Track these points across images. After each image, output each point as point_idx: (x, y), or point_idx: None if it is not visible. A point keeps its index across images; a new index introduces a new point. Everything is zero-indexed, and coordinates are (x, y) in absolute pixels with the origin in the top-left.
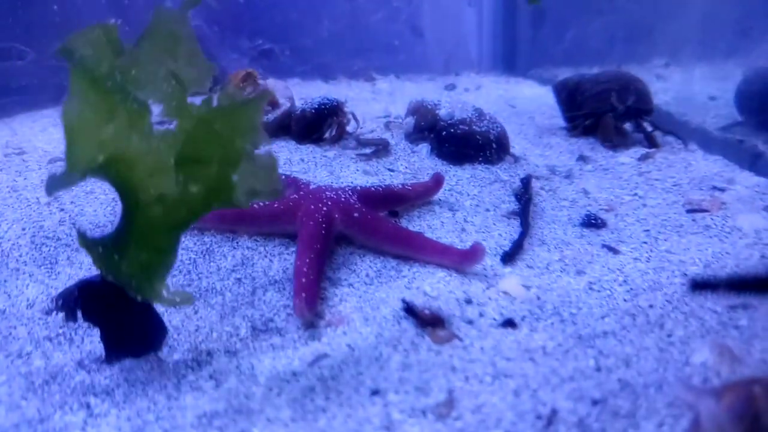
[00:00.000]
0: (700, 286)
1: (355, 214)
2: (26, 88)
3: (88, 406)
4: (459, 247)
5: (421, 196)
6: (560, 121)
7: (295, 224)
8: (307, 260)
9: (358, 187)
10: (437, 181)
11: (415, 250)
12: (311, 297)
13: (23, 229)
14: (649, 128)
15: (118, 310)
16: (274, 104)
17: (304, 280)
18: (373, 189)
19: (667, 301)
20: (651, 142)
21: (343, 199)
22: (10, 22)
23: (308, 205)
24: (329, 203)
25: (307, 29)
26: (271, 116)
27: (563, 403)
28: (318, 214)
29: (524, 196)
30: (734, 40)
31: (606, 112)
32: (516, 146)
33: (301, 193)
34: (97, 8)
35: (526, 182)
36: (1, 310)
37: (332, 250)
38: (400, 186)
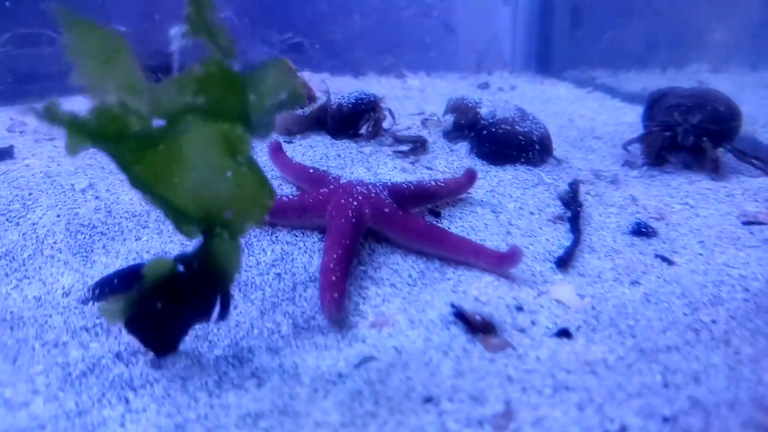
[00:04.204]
0: None
1: (386, 210)
2: (54, 74)
3: (127, 400)
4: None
5: (454, 192)
6: (600, 125)
7: (324, 218)
8: (335, 256)
9: (389, 183)
10: (470, 177)
11: (448, 249)
12: (340, 296)
13: (58, 216)
14: (717, 154)
15: None
16: (311, 98)
17: (333, 278)
18: (404, 185)
19: (730, 316)
20: (714, 170)
21: (373, 194)
22: (41, 7)
23: (338, 198)
24: (360, 198)
25: (338, 24)
26: (307, 110)
27: (632, 420)
28: (348, 209)
29: (574, 201)
30: None
31: (668, 128)
32: (557, 148)
33: (331, 186)
34: None
35: (574, 187)
36: (36, 298)
37: (372, 249)
38: (432, 182)
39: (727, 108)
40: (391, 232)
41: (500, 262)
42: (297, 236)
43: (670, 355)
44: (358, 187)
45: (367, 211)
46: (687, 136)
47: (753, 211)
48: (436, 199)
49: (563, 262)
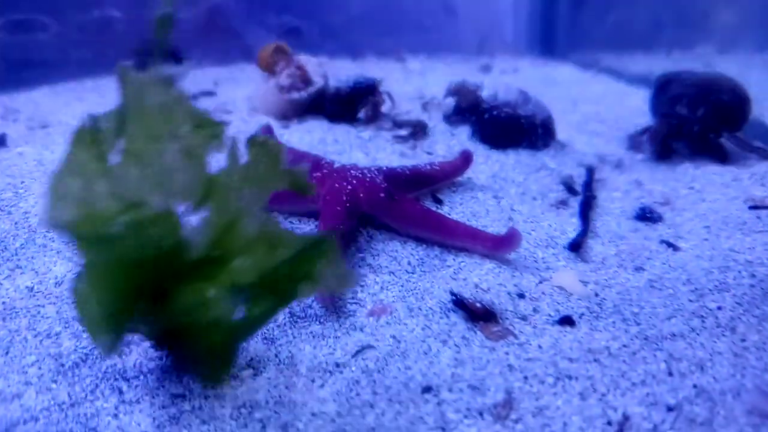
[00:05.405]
0: None
1: (381, 195)
2: (48, 61)
3: (120, 391)
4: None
5: (450, 175)
6: (605, 109)
7: (318, 203)
8: None
9: (384, 168)
10: (466, 158)
11: (445, 234)
12: None
13: None
14: (722, 143)
15: None
16: (307, 81)
17: None
18: (399, 170)
19: (736, 303)
20: (720, 159)
21: (368, 179)
22: None
23: (332, 183)
24: (354, 182)
25: (336, 6)
26: (304, 94)
27: (635, 409)
28: (342, 193)
29: (589, 187)
30: None
31: (670, 121)
32: (561, 132)
33: (325, 171)
34: None
35: (590, 174)
36: (29, 288)
37: (371, 235)
38: (428, 166)
39: (732, 96)
40: (386, 218)
41: (498, 246)
42: (293, 223)
43: (674, 343)
44: (352, 171)
45: (361, 195)
46: (691, 130)
47: (760, 196)
48: (433, 183)
49: (576, 246)
